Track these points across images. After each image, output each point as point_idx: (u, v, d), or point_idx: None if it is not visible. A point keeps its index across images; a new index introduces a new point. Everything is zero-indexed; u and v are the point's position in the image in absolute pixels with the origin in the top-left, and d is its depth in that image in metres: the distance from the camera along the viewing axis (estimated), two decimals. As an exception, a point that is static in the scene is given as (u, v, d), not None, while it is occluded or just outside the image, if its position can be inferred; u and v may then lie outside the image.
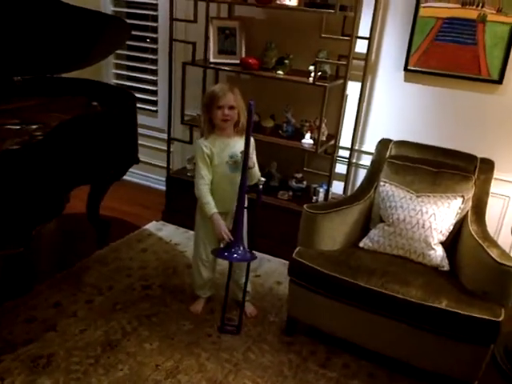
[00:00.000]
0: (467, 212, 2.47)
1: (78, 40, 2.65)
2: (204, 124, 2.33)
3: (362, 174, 3.13)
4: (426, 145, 2.75)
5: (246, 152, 2.17)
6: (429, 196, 2.45)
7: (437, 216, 2.37)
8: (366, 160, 3.10)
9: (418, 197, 2.45)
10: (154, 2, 3.61)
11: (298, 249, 2.37)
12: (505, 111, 2.73)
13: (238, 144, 2.30)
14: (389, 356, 2.23)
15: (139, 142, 3.02)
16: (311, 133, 2.97)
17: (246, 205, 2.30)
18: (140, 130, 3.07)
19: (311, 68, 2.87)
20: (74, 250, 3.08)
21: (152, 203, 3.69)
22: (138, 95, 3.58)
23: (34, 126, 2.41)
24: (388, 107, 3.02)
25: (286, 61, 2.97)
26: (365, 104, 3.08)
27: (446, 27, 2.74)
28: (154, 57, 3.79)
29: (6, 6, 2.25)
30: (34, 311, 2.43)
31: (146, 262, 2.97)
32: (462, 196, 2.45)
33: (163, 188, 3.58)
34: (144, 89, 3.93)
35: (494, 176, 2.59)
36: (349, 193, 3.23)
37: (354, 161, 3.21)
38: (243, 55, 3.14)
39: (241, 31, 3.15)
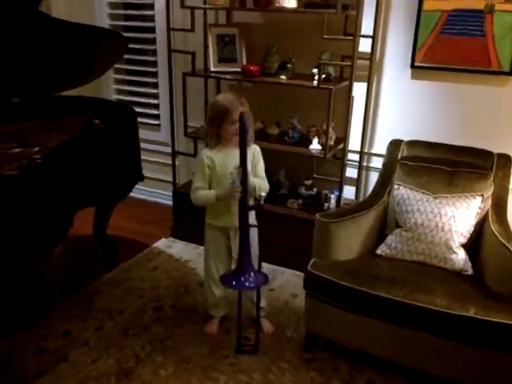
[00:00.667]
0: (487, 211, 2.36)
1: (75, 57, 2.58)
2: (210, 137, 2.25)
3: (373, 177, 3.02)
4: (439, 143, 2.65)
5: (244, 170, 2.04)
6: (446, 197, 2.34)
7: (456, 218, 2.26)
8: (377, 162, 3.00)
9: (435, 198, 2.34)
10: (151, 13, 3.55)
11: (312, 260, 2.27)
12: (519, 103, 2.63)
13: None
14: (415, 368, 2.12)
15: (143, 157, 2.95)
16: (318, 138, 2.88)
17: (254, 222, 2.20)
18: (143, 145, 3.00)
19: (315, 71, 2.78)
20: (82, 273, 3.01)
21: (160, 219, 3.62)
22: (139, 110, 3.53)
23: (34, 149, 2.34)
24: (396, 106, 2.92)
25: (289, 65, 2.88)
26: (372, 105, 2.98)
27: (452, 20, 2.64)
28: (153, 69, 3.72)
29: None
30: (44, 342, 2.35)
31: (157, 282, 2.89)
32: (481, 195, 2.34)
33: (170, 203, 3.50)
34: (146, 103, 3.87)
35: (513, 171, 2.48)
36: (361, 197, 3.13)
37: (365, 164, 3.10)
38: (244, 62, 3.06)
39: (240, 38, 3.07)
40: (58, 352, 2.29)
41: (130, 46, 3.10)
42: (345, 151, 2.90)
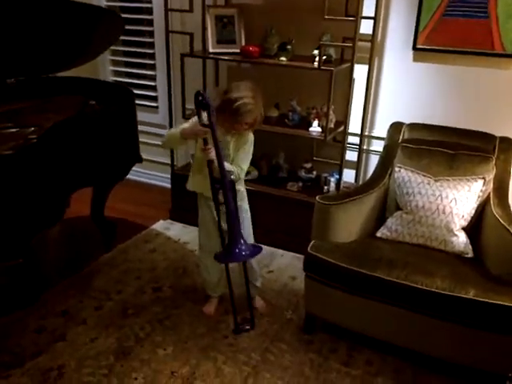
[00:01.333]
0: (489, 194, 2.35)
1: (72, 36, 2.54)
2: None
3: (373, 160, 3.01)
4: (440, 126, 2.63)
5: (215, 144, 2.00)
6: (448, 180, 2.33)
7: (457, 200, 2.25)
8: (378, 146, 2.98)
9: (436, 181, 2.33)
10: (148, -7, 3.49)
11: (312, 242, 2.26)
12: (521, 86, 2.60)
13: (228, 139, 2.18)
14: (414, 350, 2.13)
15: (141, 139, 2.92)
16: (319, 120, 2.85)
17: (244, 203, 2.29)
18: (141, 127, 2.97)
19: (315, 52, 2.74)
20: (80, 254, 2.99)
21: (158, 202, 3.60)
22: (137, 91, 3.47)
23: (29, 129, 2.30)
24: (397, 89, 2.89)
25: (289, 46, 2.84)
26: (373, 87, 2.95)
27: (455, 1, 2.60)
28: (151, 51, 3.67)
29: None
30: (43, 321, 2.34)
31: (155, 263, 2.88)
32: (483, 178, 2.33)
33: (168, 186, 3.48)
34: (143, 85, 3.82)
35: (515, 155, 2.47)
36: (361, 181, 3.12)
37: (365, 147, 3.09)
38: (243, 43, 3.01)
39: (239, 19, 3.02)
40: (56, 331, 2.28)
41: (127, 27, 3.05)
42: (345, 134, 2.88)
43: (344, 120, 2.87)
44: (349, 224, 2.35)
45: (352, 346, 2.27)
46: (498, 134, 2.52)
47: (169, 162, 3.42)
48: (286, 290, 2.67)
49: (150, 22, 3.57)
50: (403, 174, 2.41)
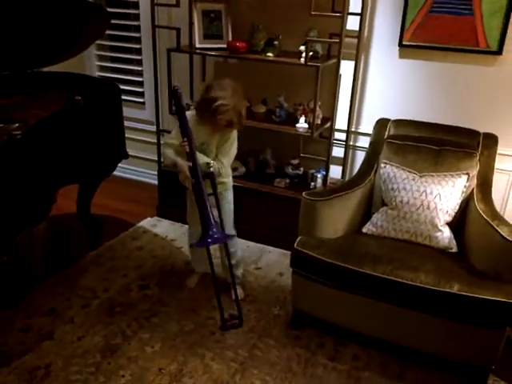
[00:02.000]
0: (473, 190, 2.38)
1: (57, 30, 2.50)
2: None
3: (360, 156, 3.03)
4: (426, 122, 2.65)
5: (187, 134, 2.12)
6: (432, 176, 2.35)
7: (442, 196, 2.28)
8: (364, 142, 3.00)
9: (421, 177, 2.35)
10: (134, -13, 3.46)
11: (299, 238, 2.27)
12: (505, 83, 2.63)
13: (211, 136, 2.26)
14: (400, 345, 2.15)
15: (127, 135, 2.90)
16: (305, 116, 2.85)
17: (227, 195, 2.40)
18: (127, 123, 2.95)
19: (302, 48, 2.74)
20: (66, 251, 2.97)
21: (145, 199, 3.58)
22: (123, 87, 3.45)
23: (14, 125, 2.28)
24: (383, 85, 2.91)
25: (276, 42, 2.84)
26: (359, 83, 2.96)
27: (441, -2, 2.62)
28: (137, 46, 3.64)
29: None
30: (29, 319, 2.32)
31: (142, 260, 2.87)
32: (467, 173, 2.36)
33: (155, 182, 3.46)
34: (130, 80, 3.79)
35: (498, 151, 2.49)
36: (347, 177, 3.13)
37: (352, 143, 3.10)
38: (230, 39, 3.00)
39: (226, 14, 3.01)
40: (42, 330, 2.27)
41: (113, 21, 3.02)
42: (332, 130, 2.89)
43: (331, 116, 2.88)
44: (335, 220, 2.37)
45: (339, 341, 2.28)
46: (483, 130, 2.55)
47: (156, 158, 3.40)
48: (273, 287, 2.68)
49: (137, 17, 3.54)
50: (388, 169, 2.43)
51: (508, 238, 1.98)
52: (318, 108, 2.76)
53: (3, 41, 2.39)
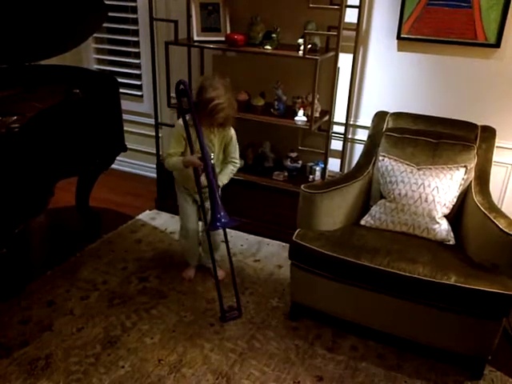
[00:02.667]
0: (470, 183, 2.39)
1: (54, 23, 2.50)
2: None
3: (358, 149, 3.03)
4: (424, 115, 2.66)
5: (198, 131, 2.20)
6: (430, 168, 2.36)
7: (440, 189, 2.29)
8: (362, 135, 3.00)
9: (419, 170, 2.36)
10: (132, -20, 3.44)
11: (297, 231, 2.28)
12: (504, 76, 2.64)
13: (210, 134, 2.32)
14: (397, 336, 2.17)
15: (126, 128, 2.90)
16: (304, 109, 2.86)
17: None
18: (126, 116, 2.95)
19: (300, 41, 2.74)
20: (65, 244, 2.98)
21: (144, 192, 3.59)
22: (121, 80, 3.45)
23: (12, 118, 2.28)
24: (382, 78, 2.91)
25: (274, 35, 2.83)
26: (358, 76, 2.97)
27: (439, -9, 2.62)
28: (135, 39, 3.63)
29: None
30: (29, 311, 2.34)
31: (141, 253, 2.88)
32: (465, 166, 2.37)
33: (154, 175, 3.47)
34: (128, 73, 3.78)
35: (496, 144, 2.51)
36: (345, 170, 3.14)
37: (350, 136, 3.10)
38: (228, 31, 3.00)
39: (224, 6, 3.00)
40: (42, 321, 2.28)
41: (111, 14, 3.01)
42: (330, 123, 2.89)
43: (329, 109, 2.88)
44: (333, 212, 2.38)
45: (337, 332, 2.30)
46: (480, 123, 2.56)
47: (154, 151, 3.40)
48: (272, 279, 2.70)
49: (134, 9, 3.53)
50: (386, 162, 2.44)
51: (505, 230, 1.99)
52: (316, 101, 2.77)
53: (1, 33, 2.38)
